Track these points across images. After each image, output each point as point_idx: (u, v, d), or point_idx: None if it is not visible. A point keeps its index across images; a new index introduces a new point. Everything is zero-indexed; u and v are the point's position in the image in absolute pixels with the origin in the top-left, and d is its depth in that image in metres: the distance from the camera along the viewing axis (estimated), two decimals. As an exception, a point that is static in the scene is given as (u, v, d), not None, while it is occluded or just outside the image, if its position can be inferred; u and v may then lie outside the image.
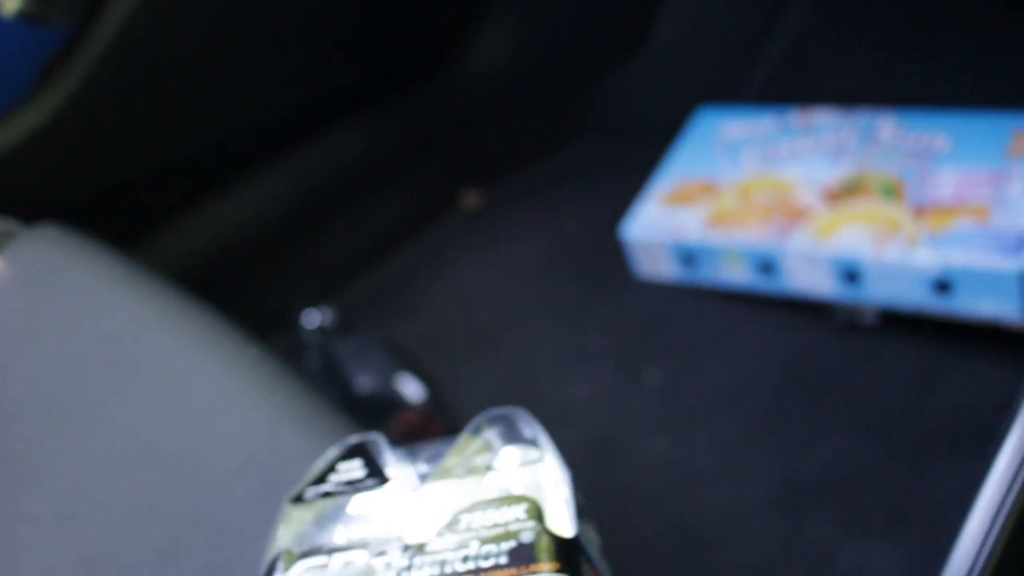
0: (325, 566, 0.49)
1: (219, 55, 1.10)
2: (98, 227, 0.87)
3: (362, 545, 0.49)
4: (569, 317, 1.19)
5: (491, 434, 0.53)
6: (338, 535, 0.51)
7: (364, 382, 1.06)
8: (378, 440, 0.55)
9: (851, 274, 1.05)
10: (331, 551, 0.50)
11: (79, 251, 0.80)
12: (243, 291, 0.95)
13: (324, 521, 0.51)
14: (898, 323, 1.06)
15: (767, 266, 1.10)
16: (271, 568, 0.50)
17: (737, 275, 1.13)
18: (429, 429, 1.03)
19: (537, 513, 0.48)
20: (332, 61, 1.22)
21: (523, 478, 0.50)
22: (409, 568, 0.48)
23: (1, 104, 1.03)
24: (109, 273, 0.77)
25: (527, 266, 1.26)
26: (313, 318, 1.12)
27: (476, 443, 0.53)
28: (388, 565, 0.48)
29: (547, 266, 1.25)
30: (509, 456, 0.52)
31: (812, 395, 1.07)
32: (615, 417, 1.07)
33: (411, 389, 1.07)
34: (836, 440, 1.03)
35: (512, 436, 0.53)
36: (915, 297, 1.03)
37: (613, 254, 1.20)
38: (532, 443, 0.53)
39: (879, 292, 1.05)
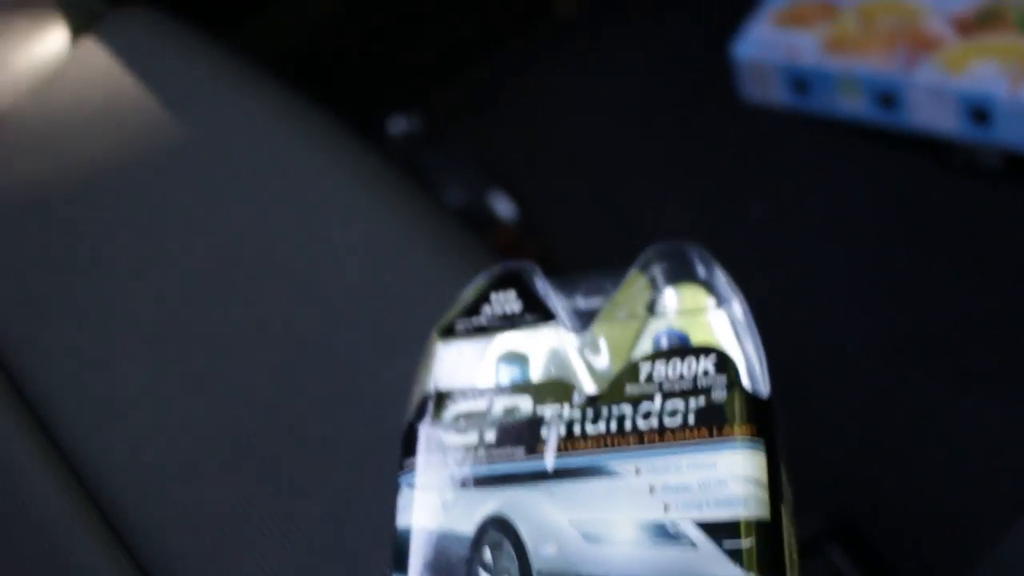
0: (485, 412, 0.44)
1: None
2: (179, 9, 0.80)
3: (526, 390, 0.44)
4: (668, 138, 1.12)
5: (658, 270, 0.48)
6: (497, 376, 0.45)
7: (454, 196, 1.00)
8: (531, 269, 0.49)
9: (980, 112, 0.98)
10: (491, 394, 0.44)
11: (173, 35, 0.73)
12: (325, 92, 0.88)
13: (479, 359, 0.46)
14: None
15: (887, 98, 1.03)
16: (420, 410, 0.45)
17: (853, 105, 1.05)
18: (522, 250, 0.98)
19: (728, 367, 0.43)
20: None
21: (703, 324, 0.45)
22: (582, 420, 0.42)
23: None
24: (209, 61, 0.71)
25: (624, 81, 1.18)
26: (400, 124, 1.05)
27: (643, 280, 0.47)
28: (559, 416, 0.43)
29: (646, 82, 1.17)
30: (680, 297, 0.46)
31: (924, 239, 1.00)
32: (714, 249, 1.01)
33: (503, 206, 1.01)
34: (947, 289, 0.97)
35: (684, 274, 0.47)
36: (1048, 142, 0.96)
37: (718, 74, 1.12)
38: (707, 284, 0.47)
39: (1008, 134, 0.98)
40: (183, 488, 0.54)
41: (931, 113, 1.01)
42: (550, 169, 1.11)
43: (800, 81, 1.07)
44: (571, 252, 1.00)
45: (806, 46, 1.07)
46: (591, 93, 1.17)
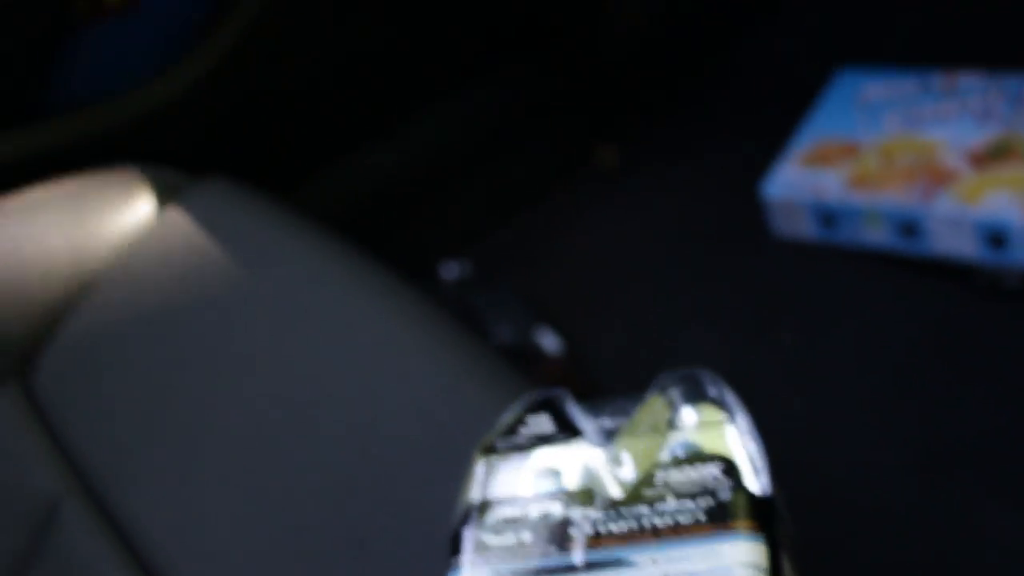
0: (522, 516, 0.50)
1: (368, 10, 1.12)
2: (250, 177, 0.89)
3: (557, 497, 0.51)
4: (706, 274, 1.19)
5: (676, 393, 0.54)
6: (532, 486, 0.52)
7: (503, 334, 1.07)
8: (563, 395, 0.56)
9: (997, 238, 1.04)
10: (527, 501, 0.51)
11: (245, 201, 0.82)
12: (380, 242, 0.97)
13: (517, 472, 0.53)
14: (1043, 289, 1.05)
15: (909, 228, 1.09)
16: (465, 517, 0.52)
17: (878, 236, 1.12)
18: (568, 382, 1.05)
19: (733, 471, 0.49)
20: (477, 18, 1.23)
21: (714, 436, 0.51)
22: (606, 521, 0.49)
23: (161, 61, 1.05)
24: (277, 223, 0.79)
25: (663, 223, 1.26)
26: (452, 270, 1.14)
27: (661, 401, 0.54)
28: (585, 517, 0.49)
29: (683, 223, 1.25)
30: (696, 414, 0.53)
31: (952, 359, 1.06)
32: (749, 375, 1.07)
33: (549, 342, 1.08)
34: (975, 406, 1.02)
35: (697, 395, 0.54)
36: (1063, 264, 1.02)
37: (750, 213, 1.19)
38: (718, 402, 0.53)
39: (1025, 257, 1.04)
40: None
41: (951, 240, 1.07)
42: (593, 305, 1.19)
43: (827, 216, 1.14)
44: (614, 382, 1.07)
45: (831, 184, 1.14)
46: (631, 233, 1.26)
